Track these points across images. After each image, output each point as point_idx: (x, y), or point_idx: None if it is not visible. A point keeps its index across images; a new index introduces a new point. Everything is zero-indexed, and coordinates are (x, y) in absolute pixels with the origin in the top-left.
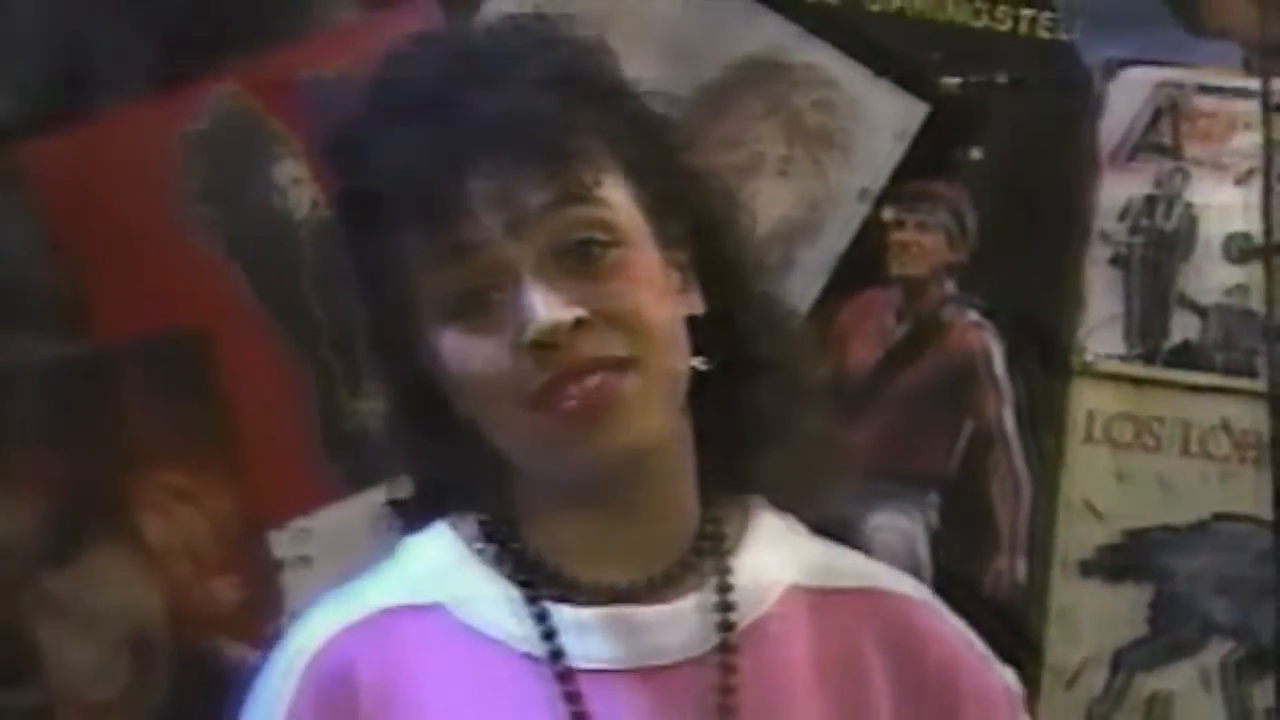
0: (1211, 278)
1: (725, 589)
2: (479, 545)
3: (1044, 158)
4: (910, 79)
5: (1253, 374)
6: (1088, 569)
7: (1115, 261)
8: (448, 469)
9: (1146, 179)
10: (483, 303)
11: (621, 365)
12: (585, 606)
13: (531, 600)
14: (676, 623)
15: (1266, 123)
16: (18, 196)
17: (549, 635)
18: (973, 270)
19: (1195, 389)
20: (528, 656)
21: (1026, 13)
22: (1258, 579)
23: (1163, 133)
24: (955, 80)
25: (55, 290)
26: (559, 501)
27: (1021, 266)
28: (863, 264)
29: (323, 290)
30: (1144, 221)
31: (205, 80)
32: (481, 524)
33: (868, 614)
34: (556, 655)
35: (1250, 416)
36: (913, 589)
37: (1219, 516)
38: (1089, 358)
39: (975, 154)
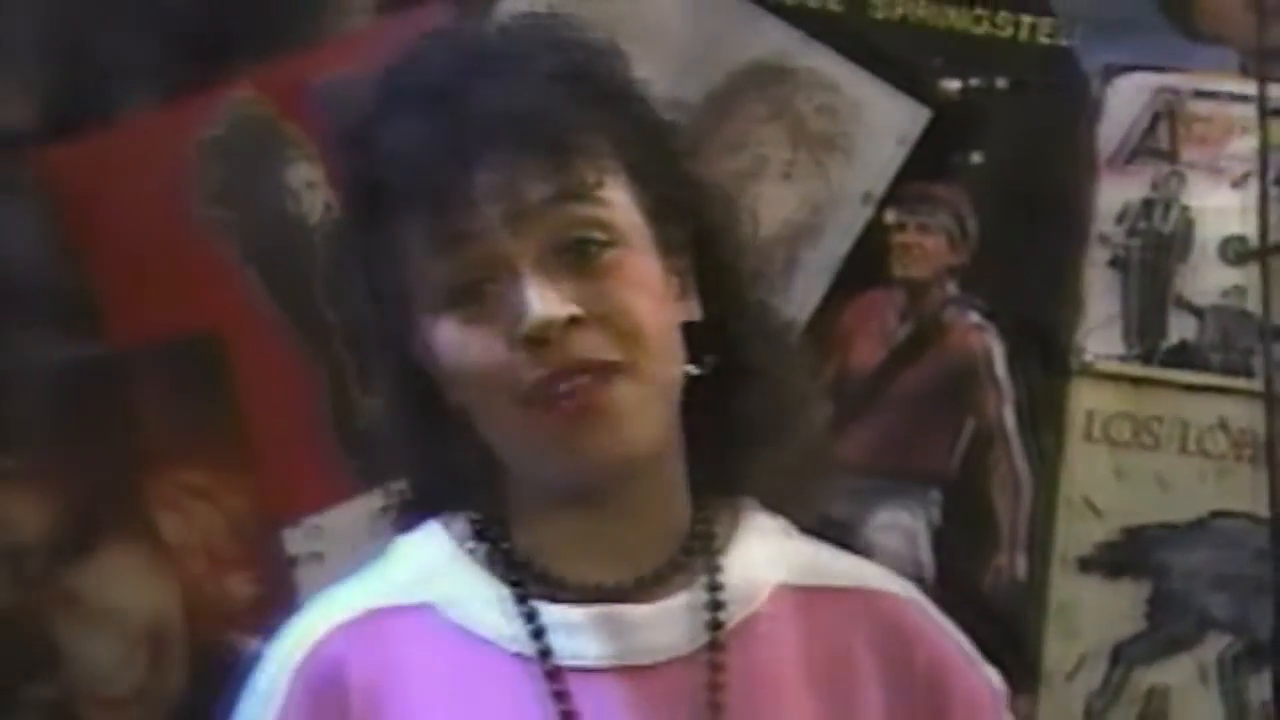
0: (1208, 279)
1: (715, 588)
2: (470, 545)
3: (1043, 161)
4: (912, 84)
5: (1249, 374)
6: (1087, 565)
7: (1114, 263)
8: (440, 465)
9: (1144, 182)
10: (479, 294)
11: (612, 368)
12: (575, 605)
13: (521, 599)
14: (665, 621)
15: (1263, 127)
16: (37, 201)
17: (538, 634)
18: (974, 272)
19: (1193, 388)
20: (517, 656)
21: (1026, 19)
22: (1254, 575)
23: (1160, 137)
24: (956, 85)
25: (73, 293)
26: (548, 502)
27: (1021, 268)
28: (865, 266)
29: (335, 292)
30: (1142, 224)
31: (220, 86)
32: (472, 523)
33: (857, 613)
34: (545, 654)
35: (1247, 415)
36: (901, 589)
37: (1216, 514)
38: (1088, 358)
39: (976, 158)
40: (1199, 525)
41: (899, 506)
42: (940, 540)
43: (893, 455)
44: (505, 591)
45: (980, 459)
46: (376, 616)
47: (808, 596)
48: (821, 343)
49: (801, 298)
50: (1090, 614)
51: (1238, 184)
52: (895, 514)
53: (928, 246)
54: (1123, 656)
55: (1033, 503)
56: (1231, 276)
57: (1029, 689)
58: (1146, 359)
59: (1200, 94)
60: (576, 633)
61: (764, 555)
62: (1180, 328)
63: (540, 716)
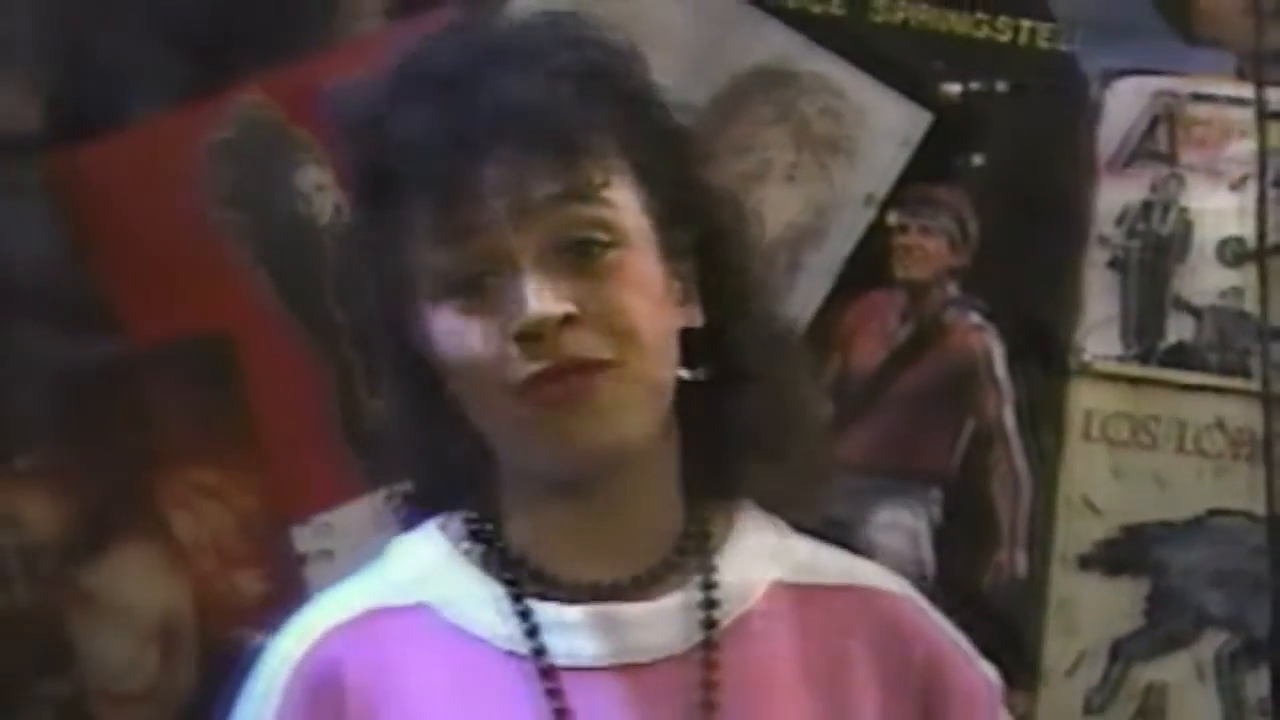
0: (1206, 280)
1: (709, 586)
2: (465, 545)
3: (1044, 164)
4: (914, 88)
5: (1246, 374)
6: (1086, 563)
7: (1113, 265)
8: (438, 458)
9: (1143, 185)
10: (480, 285)
11: (602, 366)
12: (569, 604)
13: (516, 598)
14: (659, 620)
15: (1260, 130)
16: (50, 204)
17: (532, 633)
18: (974, 273)
19: (1190, 388)
20: (512, 655)
21: (1026, 24)
22: (1251, 573)
23: (1159, 140)
24: (957, 89)
25: (86, 294)
26: (541, 499)
27: (1022, 270)
28: (868, 267)
29: (343, 291)
30: (1141, 226)
31: (231, 90)
32: (468, 523)
33: (852, 611)
34: (539, 652)
35: (1244, 415)
36: (896, 585)
37: (1214, 512)
38: (1087, 358)
39: (977, 160)
40: (1197, 523)
41: (900, 505)
42: (941, 539)
43: (894, 454)
44: (500, 591)
45: (980, 458)
46: (373, 617)
47: (803, 594)
48: (824, 343)
49: (804, 298)
50: (1089, 611)
51: (1236, 186)
52: (897, 513)
53: (929, 248)
54: (1121, 653)
55: (1032, 501)
56: (1229, 278)
57: (1029, 685)
58: (1145, 359)
59: (1198, 97)
60: (571, 631)
61: (759, 554)
62: (1178, 328)
63: (535, 715)
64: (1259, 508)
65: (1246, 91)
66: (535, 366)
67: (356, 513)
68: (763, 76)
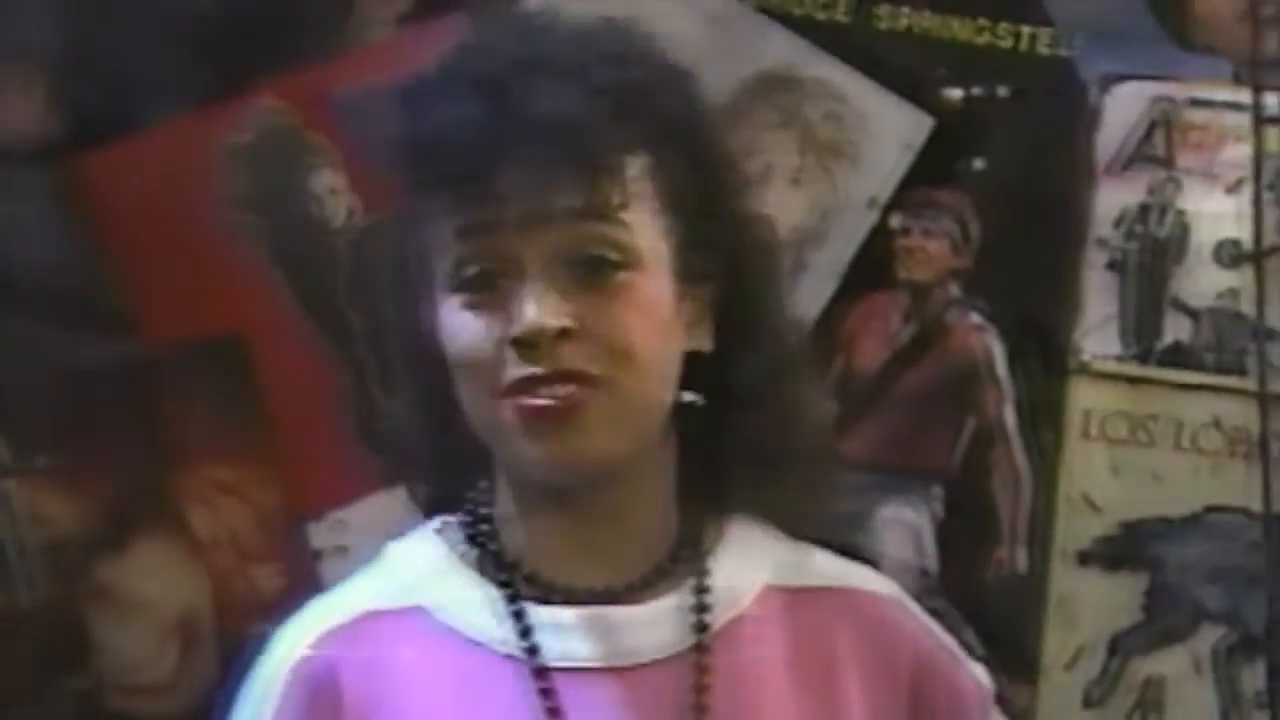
0: (1203, 282)
1: (702, 590)
2: (461, 549)
3: (1044, 168)
4: (916, 93)
5: (1242, 373)
6: (1085, 559)
7: (1111, 266)
8: (446, 459)
9: (1141, 188)
10: (490, 283)
11: (592, 381)
12: (564, 607)
13: (510, 600)
14: (652, 623)
15: (1256, 134)
16: (72, 207)
17: (525, 634)
18: (976, 275)
19: (1187, 387)
20: (507, 657)
21: (1026, 30)
22: (1248, 568)
23: (1156, 144)
24: (959, 94)
25: (108, 296)
26: (536, 505)
27: (1022, 271)
28: (871, 269)
29: (358, 294)
30: (1139, 228)
31: (247, 96)
32: (465, 526)
33: (841, 613)
34: (532, 653)
35: (1240, 413)
36: (886, 589)
37: (1211, 509)
38: (1086, 358)
39: (978, 164)
40: (1194, 520)
41: (903, 502)
42: (943, 535)
43: (897, 452)
44: (496, 594)
45: (982, 456)
46: (370, 620)
47: (794, 597)
48: (828, 343)
49: (809, 300)
50: (1089, 606)
51: (1232, 189)
52: (899, 509)
53: (931, 250)
54: (1120, 647)
55: (1033, 498)
56: (1226, 279)
57: (1029, 679)
58: (1143, 359)
59: (1195, 102)
60: (565, 633)
61: (751, 557)
62: (1176, 328)
63: (529, 717)
64: (1255, 504)
65: (1243, 97)
66: (524, 371)
67: (371, 509)
68: (768, 82)
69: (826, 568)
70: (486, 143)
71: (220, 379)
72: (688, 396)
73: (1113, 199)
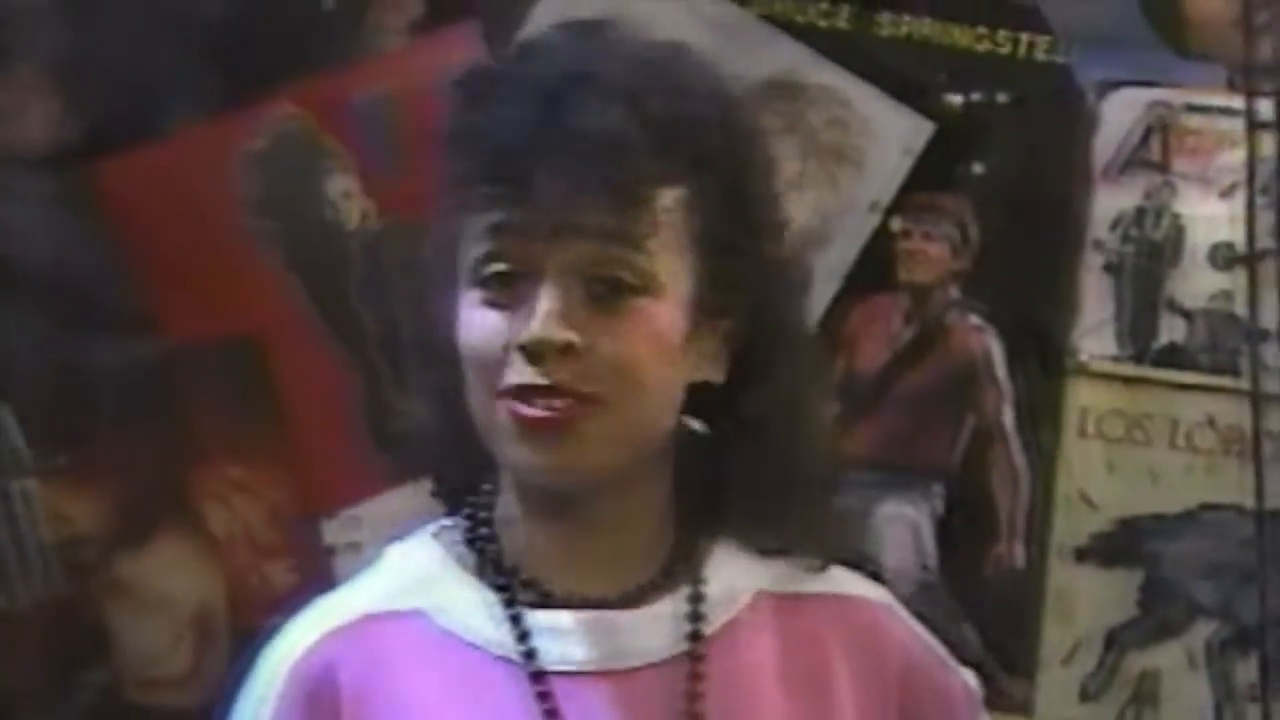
0: (1198, 284)
1: (697, 598)
2: (460, 552)
3: (1042, 172)
4: (917, 99)
5: (1236, 373)
6: (1082, 555)
7: (1108, 269)
8: (455, 460)
9: (1137, 192)
10: (509, 284)
11: (588, 400)
12: (561, 611)
13: (508, 604)
14: (648, 627)
15: (1250, 139)
16: (93, 212)
17: (522, 637)
18: (975, 277)
19: (1182, 387)
20: (504, 660)
21: (1025, 37)
22: (1241, 564)
23: (1152, 149)
24: (959, 100)
25: (127, 298)
26: (533, 510)
27: (1021, 273)
28: (873, 271)
29: (370, 297)
30: (1135, 231)
31: (263, 103)
32: (465, 530)
33: (832, 618)
34: (530, 656)
35: (1234, 413)
36: (875, 594)
37: (1205, 506)
38: (1083, 358)
39: (978, 169)
40: (1188, 517)
41: (904, 499)
42: (943, 531)
43: (898, 451)
44: (493, 598)
45: (981, 454)
46: (368, 622)
47: (785, 603)
48: (830, 344)
49: (812, 301)
50: (1085, 601)
51: (1226, 194)
52: (900, 506)
53: (931, 253)
54: (1116, 641)
55: (1031, 496)
56: (1219, 281)
57: (1027, 672)
58: (1139, 359)
59: (1190, 108)
60: (562, 637)
61: (743, 564)
62: (1171, 329)
63: (526, 719)
64: (1248, 501)
65: (1236, 102)
66: (524, 379)
67: (382, 506)
68: (772, 89)
69: (817, 574)
70: (530, 147)
71: (236, 380)
72: (695, 425)
73: (1109, 203)
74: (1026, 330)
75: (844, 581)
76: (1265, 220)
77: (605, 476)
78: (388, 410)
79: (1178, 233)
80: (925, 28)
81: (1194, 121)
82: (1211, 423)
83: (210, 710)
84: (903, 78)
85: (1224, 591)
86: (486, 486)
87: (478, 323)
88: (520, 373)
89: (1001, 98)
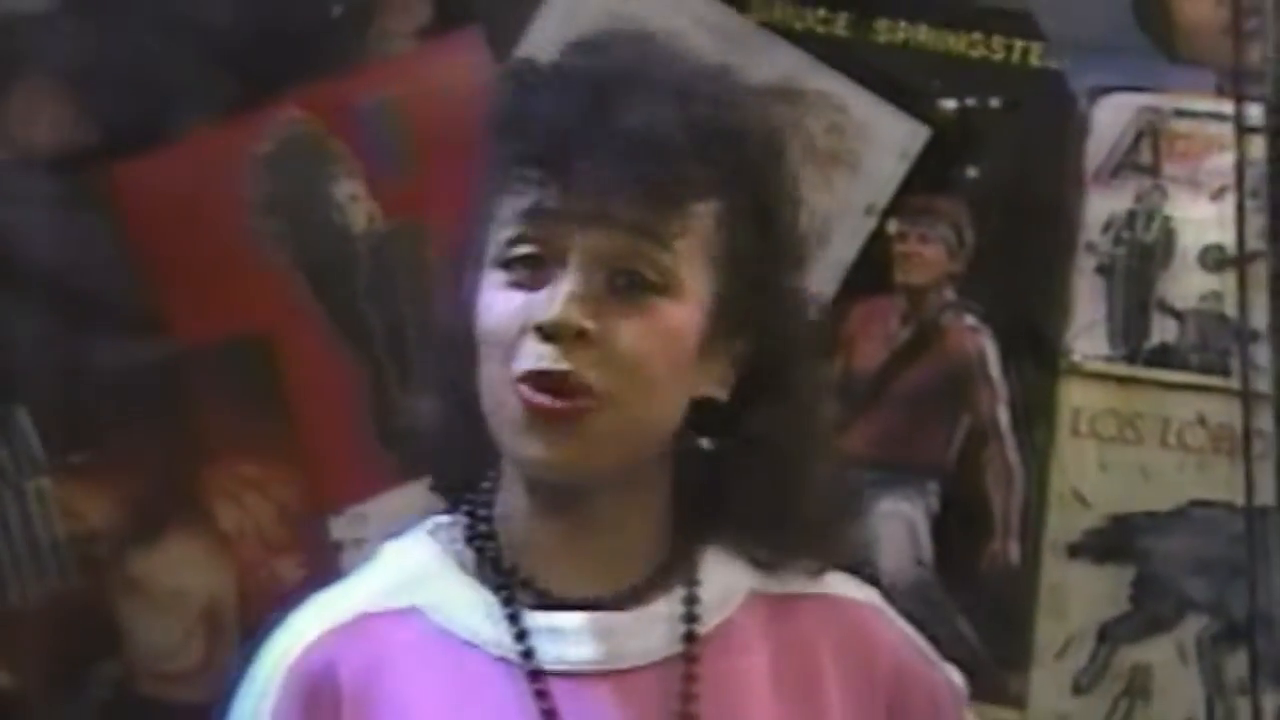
0: (1188, 285)
1: (691, 599)
2: (457, 549)
3: (1035, 176)
4: (913, 104)
5: (1226, 373)
6: (1075, 551)
7: (1100, 270)
8: (460, 455)
9: (1128, 195)
10: (534, 267)
11: (593, 394)
12: (557, 611)
13: (506, 603)
14: (644, 627)
15: (1239, 143)
16: (104, 214)
17: (520, 637)
18: (970, 279)
19: (1173, 387)
20: (501, 659)
21: (1019, 43)
22: (1231, 559)
23: (1143, 153)
24: (954, 105)
25: (138, 298)
26: (532, 512)
27: (1015, 275)
28: (869, 273)
29: (377, 298)
30: (1126, 234)
31: (271, 107)
32: (464, 528)
33: (822, 619)
34: (527, 656)
35: (1224, 411)
36: (864, 595)
37: (1195, 503)
38: (1076, 358)
39: (973, 173)
40: (1179, 514)
41: (900, 497)
42: (939, 529)
43: (894, 449)
44: (491, 597)
45: (976, 453)
46: (366, 620)
47: (777, 603)
48: (828, 345)
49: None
50: (1078, 597)
51: (1216, 197)
52: (896, 504)
53: (927, 255)
54: (1109, 636)
55: (1025, 493)
56: (1210, 282)
57: (1021, 667)
58: (1130, 359)
59: (1180, 113)
60: (559, 637)
61: (736, 565)
62: (1162, 330)
63: (523, 718)
64: (1238, 498)
65: (1226, 107)
66: (537, 363)
67: (389, 503)
68: (771, 94)
69: (807, 575)
70: (575, 136)
71: (245, 379)
72: (703, 442)
73: (1101, 206)
74: (1020, 331)
75: (834, 583)
76: (1255, 223)
77: (608, 474)
78: (393, 409)
79: (1168, 235)
80: (921, 34)
81: (1184, 126)
82: (1202, 421)
83: (220, 704)
84: (899, 83)
85: (1215, 587)
86: (486, 484)
87: (500, 302)
88: (534, 355)
89: (995, 103)
